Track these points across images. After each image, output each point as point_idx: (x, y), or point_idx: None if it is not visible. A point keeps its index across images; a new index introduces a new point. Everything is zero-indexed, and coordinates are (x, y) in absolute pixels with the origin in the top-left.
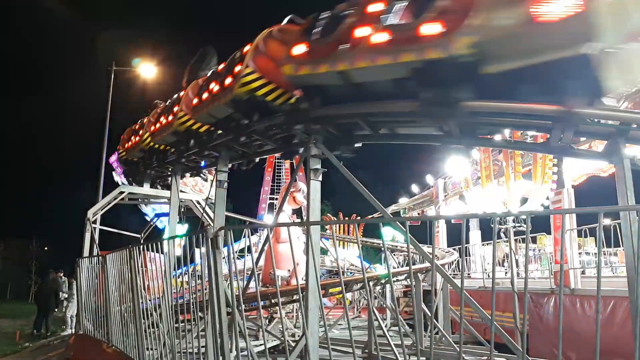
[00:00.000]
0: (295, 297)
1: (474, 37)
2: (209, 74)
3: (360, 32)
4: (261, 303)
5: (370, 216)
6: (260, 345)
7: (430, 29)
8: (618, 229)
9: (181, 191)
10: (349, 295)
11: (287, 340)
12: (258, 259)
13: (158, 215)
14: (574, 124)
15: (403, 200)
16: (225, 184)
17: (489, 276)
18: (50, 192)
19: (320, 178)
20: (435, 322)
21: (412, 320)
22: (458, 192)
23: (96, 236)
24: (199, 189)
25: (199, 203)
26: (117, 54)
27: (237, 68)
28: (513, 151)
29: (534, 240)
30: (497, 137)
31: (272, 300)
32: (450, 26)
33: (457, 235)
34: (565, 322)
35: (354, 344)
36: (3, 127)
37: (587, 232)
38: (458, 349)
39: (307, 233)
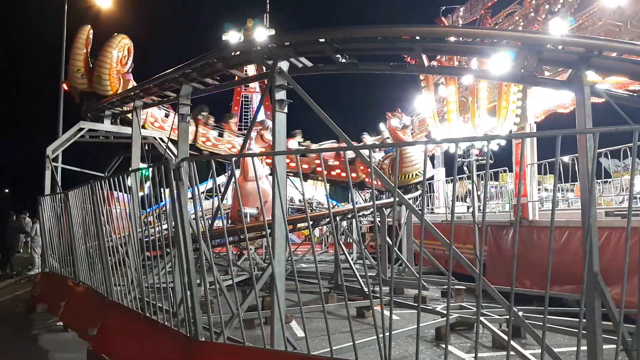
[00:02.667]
0: (263, 232)
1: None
2: None
3: None
4: (230, 239)
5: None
6: (230, 279)
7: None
8: (576, 163)
9: (143, 127)
10: (316, 232)
11: (256, 274)
12: (224, 194)
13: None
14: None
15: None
16: (188, 118)
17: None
18: (7, 133)
19: (285, 110)
20: (399, 253)
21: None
22: (424, 130)
23: (58, 176)
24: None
25: (162, 140)
26: None
27: None
28: (478, 87)
29: (496, 177)
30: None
31: (241, 236)
32: None
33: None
34: (522, 252)
35: (320, 276)
36: None
37: (547, 168)
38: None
39: (272, 163)
